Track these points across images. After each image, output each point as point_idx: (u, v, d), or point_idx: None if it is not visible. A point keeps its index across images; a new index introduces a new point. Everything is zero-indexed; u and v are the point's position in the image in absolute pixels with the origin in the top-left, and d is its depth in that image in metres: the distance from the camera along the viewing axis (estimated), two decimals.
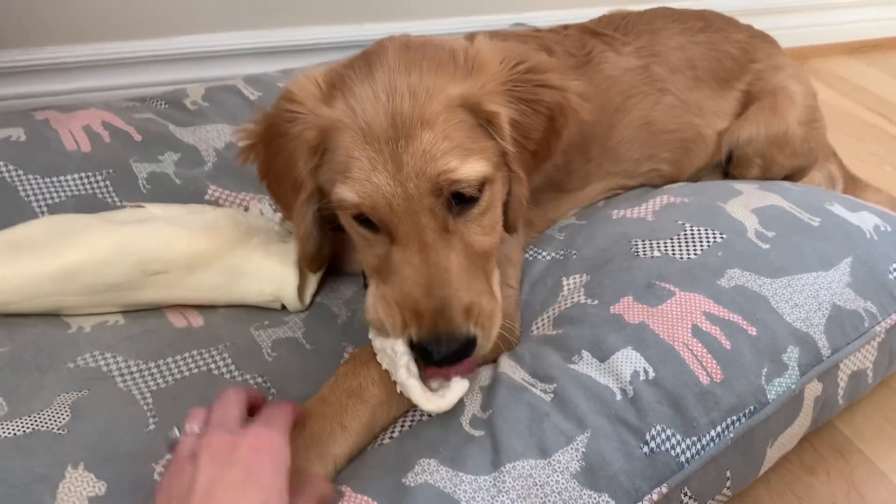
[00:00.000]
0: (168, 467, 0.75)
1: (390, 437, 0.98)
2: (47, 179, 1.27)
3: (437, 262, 0.93)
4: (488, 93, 0.98)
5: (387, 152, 0.92)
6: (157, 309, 1.11)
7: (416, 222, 0.92)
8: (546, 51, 1.40)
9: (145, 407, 0.95)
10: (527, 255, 1.31)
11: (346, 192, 0.92)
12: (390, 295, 0.94)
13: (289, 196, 1.04)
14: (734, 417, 1.03)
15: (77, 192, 1.28)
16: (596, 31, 1.50)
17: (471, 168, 0.94)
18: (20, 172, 1.27)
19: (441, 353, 0.91)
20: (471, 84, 0.97)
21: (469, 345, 0.93)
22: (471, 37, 1.14)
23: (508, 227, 1.10)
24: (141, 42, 1.88)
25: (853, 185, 1.82)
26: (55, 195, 1.26)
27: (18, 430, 0.89)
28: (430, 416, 1.00)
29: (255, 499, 0.71)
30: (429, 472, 0.92)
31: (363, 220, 0.96)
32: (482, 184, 0.97)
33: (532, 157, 1.06)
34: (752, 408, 1.04)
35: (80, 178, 1.29)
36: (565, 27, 1.52)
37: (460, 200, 0.95)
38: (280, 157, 1.02)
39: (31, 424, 0.90)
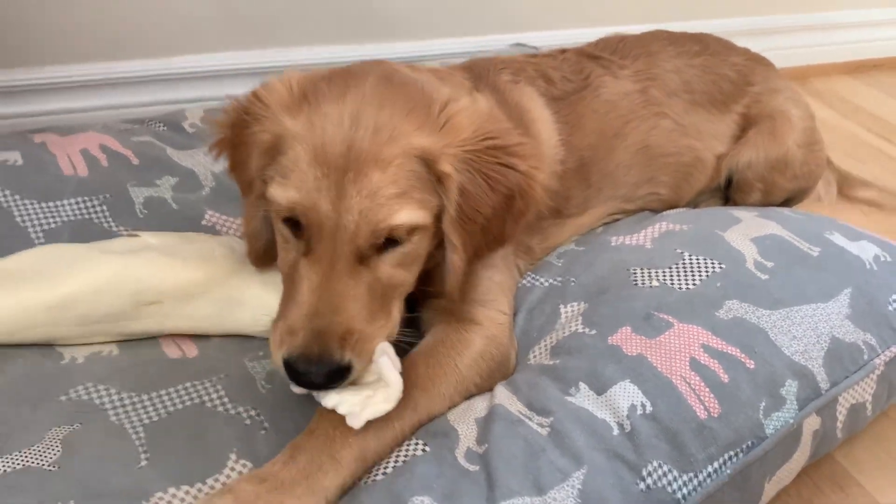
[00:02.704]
0: None
1: (383, 473, 0.96)
2: (43, 205, 1.27)
3: (338, 289, 0.94)
4: (447, 154, 0.98)
5: (333, 178, 0.94)
6: (151, 338, 1.11)
7: (336, 248, 0.94)
8: (544, 78, 1.40)
9: (137, 442, 0.94)
10: (524, 282, 1.31)
11: (281, 194, 0.95)
12: (284, 313, 0.97)
13: (245, 191, 1.09)
14: (732, 453, 1.02)
15: (73, 218, 1.27)
16: (593, 55, 1.50)
17: (407, 215, 0.96)
18: (16, 197, 1.26)
19: (311, 373, 0.91)
20: (434, 140, 0.98)
21: (341, 371, 0.93)
22: (471, 90, 1.17)
23: (446, 293, 1.09)
24: (141, 61, 1.88)
25: (845, 181, 1.86)
26: (51, 221, 1.26)
27: (9, 467, 0.88)
28: (424, 450, 0.99)
29: None
30: None
31: (290, 222, 0.98)
32: (413, 230, 0.98)
33: (482, 233, 1.05)
34: (749, 443, 1.04)
35: (77, 204, 1.29)
36: (563, 51, 1.53)
37: (387, 241, 0.97)
38: (240, 152, 1.06)
39: (22, 461, 0.89)
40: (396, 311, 1.03)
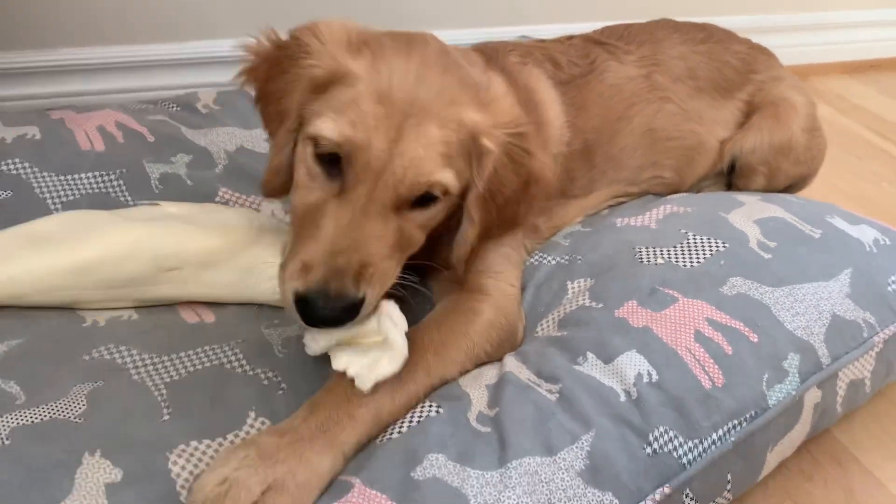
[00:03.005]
0: None
1: (398, 433, 0.99)
2: (62, 177, 1.29)
3: (365, 229, 0.95)
4: (491, 134, 1.03)
5: (394, 120, 0.96)
6: (169, 305, 1.13)
7: (375, 191, 0.96)
8: (551, 62, 1.43)
9: (159, 398, 0.97)
10: (532, 260, 1.33)
11: (332, 128, 0.95)
12: (298, 250, 0.96)
13: (274, 126, 1.07)
14: (735, 422, 1.05)
15: (91, 191, 1.30)
16: (599, 41, 1.53)
17: (448, 176, 0.99)
18: (35, 170, 1.29)
19: (326, 309, 0.92)
20: (483, 118, 1.02)
21: (356, 306, 0.94)
22: (486, 71, 1.20)
23: (450, 263, 1.12)
24: (156, 45, 1.91)
25: None
26: (69, 193, 1.28)
27: (36, 419, 0.90)
28: (437, 412, 1.01)
29: None
30: (437, 467, 0.93)
31: (326, 160, 0.98)
32: (446, 192, 1.01)
33: (498, 213, 1.10)
34: (753, 412, 1.06)
35: (94, 177, 1.32)
36: (569, 37, 1.56)
37: (419, 197, 1.00)
38: (278, 82, 1.05)
39: (49, 413, 0.91)
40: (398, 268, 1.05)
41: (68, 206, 1.26)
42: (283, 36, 1.10)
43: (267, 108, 1.10)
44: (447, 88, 1.00)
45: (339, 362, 0.97)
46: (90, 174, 1.32)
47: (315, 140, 0.98)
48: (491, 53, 1.38)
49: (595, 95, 1.45)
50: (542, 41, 1.55)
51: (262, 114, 1.12)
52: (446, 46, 1.11)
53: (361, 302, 0.94)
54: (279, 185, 1.08)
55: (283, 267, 0.98)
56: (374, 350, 0.98)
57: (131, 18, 1.86)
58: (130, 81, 1.90)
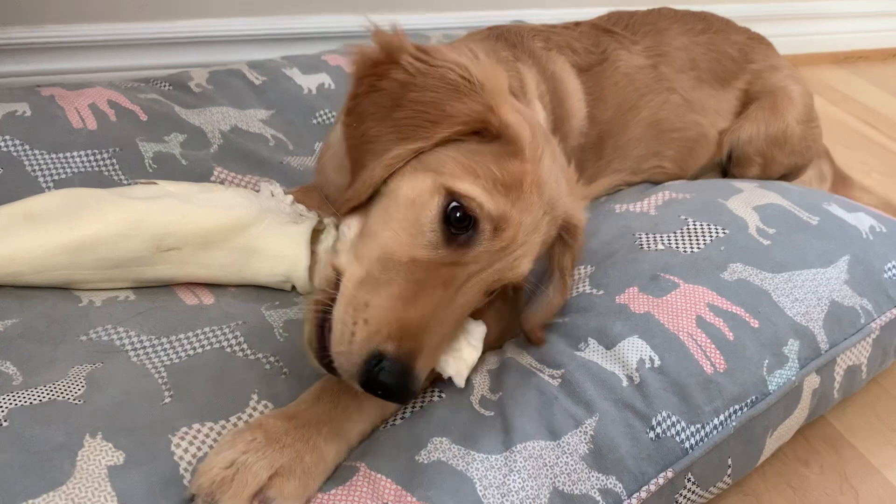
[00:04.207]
0: None
1: (401, 418, 0.99)
2: (53, 155, 1.27)
3: (459, 308, 0.91)
4: (579, 210, 1.05)
5: (539, 212, 0.94)
6: (167, 287, 1.11)
7: (487, 272, 0.92)
8: (570, 48, 1.43)
9: (160, 381, 0.95)
10: None
11: (487, 200, 0.90)
12: (385, 299, 0.87)
13: (390, 136, 0.93)
14: (737, 406, 1.05)
15: (83, 170, 1.27)
16: (607, 29, 1.53)
17: (531, 270, 0.98)
18: (26, 147, 1.26)
19: (394, 385, 0.84)
20: (573, 202, 1.04)
21: (412, 396, 0.88)
22: (514, 63, 1.24)
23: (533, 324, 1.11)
24: (146, 24, 1.87)
25: (843, 184, 1.87)
26: (61, 171, 1.25)
27: (35, 399, 0.88)
28: (440, 396, 1.01)
29: None
30: (441, 451, 0.93)
31: (454, 221, 0.90)
32: None
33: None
34: (754, 397, 1.07)
35: (87, 156, 1.29)
36: (577, 24, 1.55)
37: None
38: (413, 102, 0.93)
39: (48, 394, 0.89)
40: None
41: (60, 184, 1.24)
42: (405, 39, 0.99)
43: (390, 113, 0.94)
44: (564, 185, 1.01)
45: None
46: (82, 152, 1.29)
47: (453, 196, 0.90)
48: (515, 40, 1.37)
49: (611, 84, 1.45)
50: (555, 26, 1.54)
51: (375, 115, 0.95)
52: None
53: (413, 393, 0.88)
54: (364, 201, 0.96)
55: (351, 298, 0.88)
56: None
57: None
58: (118, 60, 1.86)
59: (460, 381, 0.97)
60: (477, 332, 1.02)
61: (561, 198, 0.99)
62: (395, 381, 0.83)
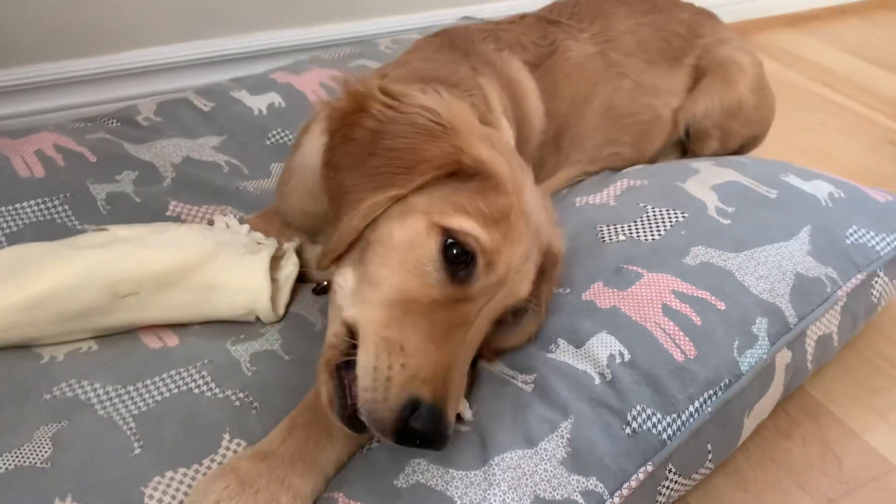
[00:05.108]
0: None
1: (377, 442, 0.98)
2: (3, 209, 1.24)
3: (473, 341, 0.92)
4: (559, 236, 1.08)
5: (530, 242, 0.97)
6: (130, 332, 1.09)
7: (494, 302, 0.93)
8: (520, 45, 1.42)
9: (128, 432, 0.94)
10: None
11: (483, 234, 0.91)
12: (409, 343, 0.86)
13: (366, 185, 0.93)
14: (711, 391, 1.06)
15: (35, 219, 1.25)
16: (552, 20, 1.52)
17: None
18: None
19: (429, 431, 0.83)
20: (553, 230, 1.07)
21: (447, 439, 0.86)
22: (474, 76, 1.26)
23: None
24: (89, 59, 1.84)
25: None
26: (12, 224, 1.23)
27: (1, 468, 0.87)
28: None
29: None
30: (420, 472, 0.92)
31: (453, 260, 0.91)
32: None
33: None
34: (727, 380, 1.07)
35: (38, 205, 1.27)
36: (522, 16, 1.54)
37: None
38: (386, 150, 0.93)
39: (13, 461, 0.88)
40: None
41: (12, 237, 1.22)
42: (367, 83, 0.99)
43: (364, 162, 0.94)
44: (547, 214, 1.05)
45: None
46: (32, 202, 1.27)
47: (449, 234, 0.90)
48: (466, 47, 1.36)
49: (563, 77, 1.45)
50: (500, 22, 1.53)
51: (349, 165, 0.95)
52: None
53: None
54: (344, 252, 0.96)
55: (380, 342, 0.86)
56: None
57: (60, 33, 1.79)
58: (66, 99, 1.83)
59: (469, 415, 1.00)
60: None
61: (545, 227, 1.02)
62: (434, 427, 0.82)
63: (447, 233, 0.90)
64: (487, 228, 0.91)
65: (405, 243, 0.91)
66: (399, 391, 0.83)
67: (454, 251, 0.90)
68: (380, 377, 0.84)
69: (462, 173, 0.94)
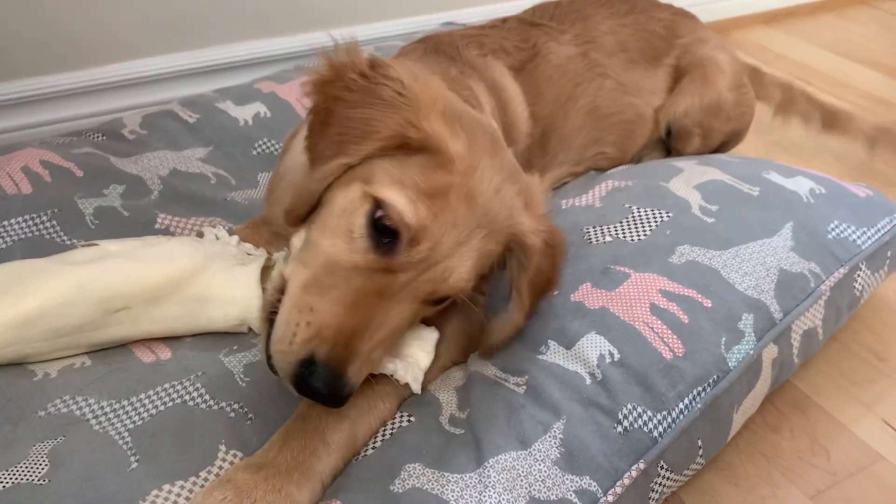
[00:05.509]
0: None
1: (373, 448, 0.99)
2: None
3: (393, 316, 0.92)
4: (534, 233, 1.01)
5: (470, 225, 0.93)
6: (123, 346, 1.10)
7: (418, 282, 0.92)
8: (503, 50, 1.44)
9: (125, 446, 0.94)
10: None
11: (410, 209, 0.90)
12: (318, 303, 0.90)
13: (327, 151, 0.97)
14: (700, 388, 1.07)
15: (23, 236, 1.25)
16: (534, 23, 1.54)
17: (472, 284, 0.98)
18: None
19: (325, 388, 0.88)
20: (529, 221, 1.01)
21: (343, 399, 0.91)
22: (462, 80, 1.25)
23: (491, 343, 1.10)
24: (71, 73, 1.84)
25: (831, 117, 1.86)
26: (0, 242, 1.23)
27: None
28: (409, 421, 1.01)
29: None
30: (415, 477, 0.93)
31: (381, 229, 0.92)
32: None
33: (539, 289, 1.07)
34: (715, 377, 1.09)
35: (25, 221, 1.27)
36: (504, 20, 1.56)
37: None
38: (352, 111, 0.96)
39: (11, 478, 0.88)
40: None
41: (1, 255, 1.21)
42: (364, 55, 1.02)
43: (326, 130, 0.98)
44: (513, 200, 0.98)
45: (386, 369, 1.00)
46: (20, 218, 1.27)
47: (379, 204, 0.91)
48: (451, 52, 1.37)
49: (546, 79, 1.47)
50: (483, 27, 1.54)
51: (316, 131, 1.00)
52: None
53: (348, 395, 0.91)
54: (304, 213, 1.01)
55: (294, 302, 0.92)
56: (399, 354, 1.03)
57: (41, 47, 1.79)
58: (49, 114, 1.83)
59: (417, 388, 1.01)
60: (430, 339, 1.05)
61: (504, 212, 0.97)
62: (326, 385, 0.87)
63: (377, 203, 0.92)
64: (416, 204, 0.90)
65: (340, 209, 0.95)
66: (299, 347, 0.88)
67: (381, 222, 0.91)
68: (287, 332, 0.89)
69: (412, 147, 0.94)
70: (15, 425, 0.96)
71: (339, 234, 0.94)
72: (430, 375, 1.09)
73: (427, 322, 1.06)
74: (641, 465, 1.01)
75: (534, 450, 0.98)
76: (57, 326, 1.02)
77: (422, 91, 0.95)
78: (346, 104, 0.96)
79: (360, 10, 2.13)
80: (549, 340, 1.10)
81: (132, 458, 0.93)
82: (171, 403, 1.01)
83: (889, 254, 1.38)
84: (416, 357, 1.03)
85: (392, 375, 1.01)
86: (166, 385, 1.03)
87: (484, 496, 0.92)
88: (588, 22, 1.58)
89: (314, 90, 1.01)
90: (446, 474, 0.94)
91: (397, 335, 0.96)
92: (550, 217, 1.08)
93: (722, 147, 1.72)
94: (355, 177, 0.95)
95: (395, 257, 0.91)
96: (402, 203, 0.90)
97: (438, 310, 1.01)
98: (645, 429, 1.02)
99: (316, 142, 0.99)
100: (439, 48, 1.39)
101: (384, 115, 0.94)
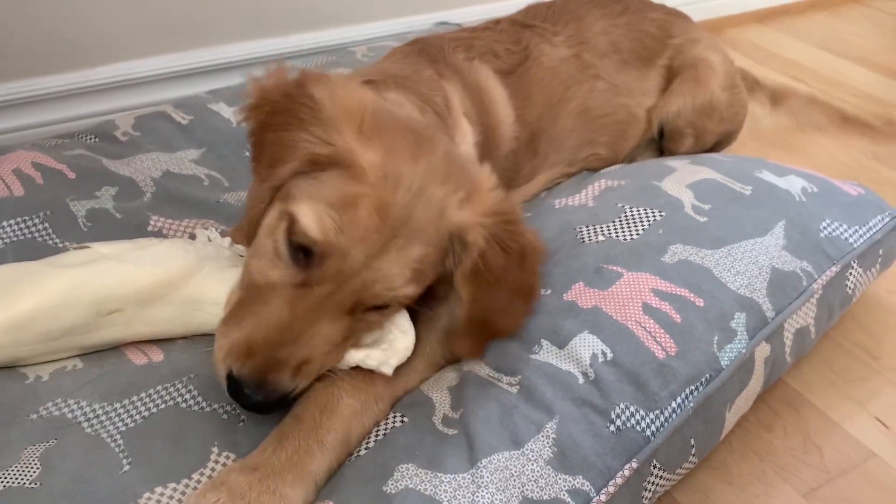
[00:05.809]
0: None
1: (366, 448, 0.99)
2: None
3: (318, 328, 0.93)
4: (475, 227, 0.99)
5: (384, 235, 0.92)
6: (115, 348, 1.09)
7: (339, 293, 0.93)
8: (492, 53, 1.44)
9: (116, 449, 0.94)
10: None
11: (315, 226, 0.91)
12: (242, 321, 0.95)
13: (262, 175, 1.01)
14: (692, 387, 1.08)
15: (15, 239, 1.25)
16: (526, 24, 1.54)
17: (414, 290, 0.98)
18: None
19: (257, 398, 0.92)
20: (468, 215, 0.98)
21: (286, 398, 0.95)
22: (438, 80, 1.26)
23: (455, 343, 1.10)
24: (62, 75, 1.83)
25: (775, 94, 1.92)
26: None
27: None
28: (402, 422, 1.01)
29: None
30: (408, 477, 0.93)
31: (298, 248, 0.94)
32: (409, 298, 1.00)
33: (491, 290, 1.04)
34: (708, 376, 1.09)
35: (17, 224, 1.26)
36: (497, 22, 1.56)
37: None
38: (276, 133, 0.98)
39: (2, 482, 0.88)
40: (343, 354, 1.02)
41: None
42: (292, 74, 1.04)
43: (260, 154, 1.02)
44: (443, 199, 0.96)
45: (354, 357, 1.00)
46: (12, 221, 1.26)
47: (292, 221, 0.93)
48: (436, 54, 1.37)
49: (536, 81, 1.47)
50: (474, 30, 1.54)
51: (255, 156, 1.04)
52: (450, 145, 1.09)
53: (293, 393, 0.95)
54: (255, 234, 1.02)
55: (224, 324, 0.98)
56: (378, 342, 1.03)
57: (32, 49, 1.78)
58: (41, 115, 1.82)
59: (388, 370, 1.01)
60: (402, 318, 1.05)
61: (431, 214, 0.95)
62: (250, 395, 0.92)
63: (292, 220, 0.94)
64: (323, 218, 0.91)
65: (265, 228, 0.99)
66: (220, 365, 0.94)
67: (293, 238, 0.94)
68: (216, 354, 0.96)
69: (324, 163, 0.95)
70: (7, 428, 0.95)
71: (264, 254, 0.97)
72: (424, 374, 1.09)
73: (415, 320, 1.07)
74: (634, 465, 1.01)
75: (527, 449, 0.98)
76: (49, 329, 1.02)
77: (338, 106, 0.96)
78: (272, 128, 1.00)
79: (353, 10, 2.13)
80: (542, 340, 1.10)
81: (124, 461, 0.93)
82: (163, 405, 1.01)
83: (881, 252, 1.38)
84: (394, 342, 1.03)
85: (363, 364, 1.01)
86: (158, 387, 1.03)
87: (477, 496, 0.92)
88: (581, 23, 1.59)
89: (247, 116, 1.04)
90: (439, 475, 0.94)
91: (332, 343, 0.96)
92: (507, 208, 1.04)
93: (715, 147, 1.73)
94: (279, 197, 0.99)
95: (311, 272, 0.93)
96: (308, 218, 0.92)
97: (387, 315, 1.02)
98: (638, 428, 1.03)
99: (255, 165, 1.04)
100: (425, 50, 1.40)
101: (298, 136, 0.96)
